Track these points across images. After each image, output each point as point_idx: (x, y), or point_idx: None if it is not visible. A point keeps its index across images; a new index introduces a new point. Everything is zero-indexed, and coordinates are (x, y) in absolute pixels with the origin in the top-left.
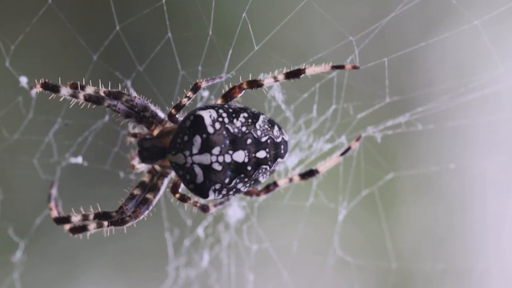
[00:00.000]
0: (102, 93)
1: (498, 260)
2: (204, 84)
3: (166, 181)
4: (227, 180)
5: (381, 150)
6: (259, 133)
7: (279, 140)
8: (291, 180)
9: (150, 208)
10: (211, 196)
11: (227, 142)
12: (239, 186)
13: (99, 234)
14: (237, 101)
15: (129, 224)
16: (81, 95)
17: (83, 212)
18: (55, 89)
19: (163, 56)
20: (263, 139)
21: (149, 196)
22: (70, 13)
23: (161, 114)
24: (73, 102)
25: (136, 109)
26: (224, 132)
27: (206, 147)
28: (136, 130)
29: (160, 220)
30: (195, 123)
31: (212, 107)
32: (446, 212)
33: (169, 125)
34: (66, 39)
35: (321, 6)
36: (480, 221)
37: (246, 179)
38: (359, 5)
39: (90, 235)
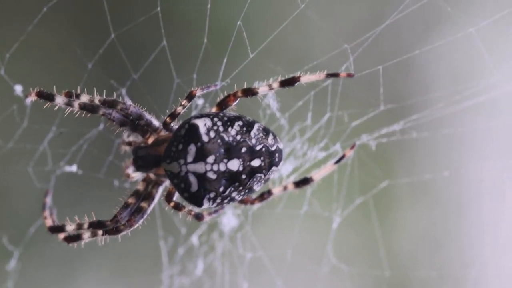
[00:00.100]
0: (97, 102)
1: (494, 265)
2: (199, 92)
3: (160, 189)
4: (221, 189)
5: (376, 158)
6: (253, 141)
7: (273, 148)
8: (285, 188)
9: (145, 216)
10: (206, 204)
11: (222, 150)
12: (234, 194)
13: (94, 242)
14: (232, 109)
15: (124, 233)
16: (76, 103)
17: (78, 221)
18: (50, 97)
19: (158, 64)
20: (258, 148)
21: (143, 204)
22: (65, 21)
23: (156, 123)
24: (68, 110)
25: (131, 118)
26: (219, 141)
27: (201, 156)
28: (131, 139)
29: (154, 228)
30: (190, 132)
31: (207, 115)
32: (442, 217)
33: (164, 133)
34: (61, 47)
35: (316, 13)
36: (476, 226)
37: (240, 188)
38: (355, 11)
39: (85, 244)
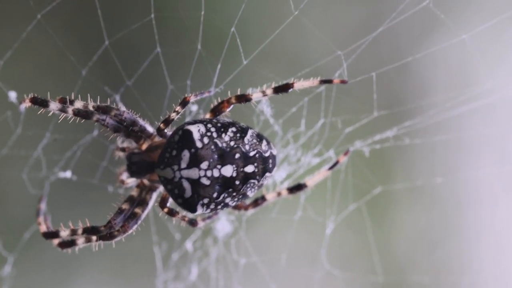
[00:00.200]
0: (91, 108)
1: (492, 271)
2: (192, 99)
3: (154, 195)
4: (215, 195)
5: (371, 163)
6: (247, 147)
7: (267, 154)
8: (279, 194)
9: (139, 222)
10: (199, 210)
11: (216, 156)
12: (228, 200)
13: (88, 247)
14: (226, 116)
15: (118, 238)
16: (70, 109)
17: (72, 227)
18: (44, 104)
19: (152, 70)
20: (252, 154)
21: (137, 210)
22: (60, 28)
23: (150, 129)
24: (62, 116)
25: (124, 124)
26: (213, 147)
27: (195, 162)
28: (125, 145)
29: (148, 233)
30: (184, 138)
31: (201, 121)
32: (439, 220)
33: (157, 139)
34: (55, 54)
35: (310, 19)
36: (472, 231)
37: (234, 194)
38: (350, 17)
39: (79, 250)
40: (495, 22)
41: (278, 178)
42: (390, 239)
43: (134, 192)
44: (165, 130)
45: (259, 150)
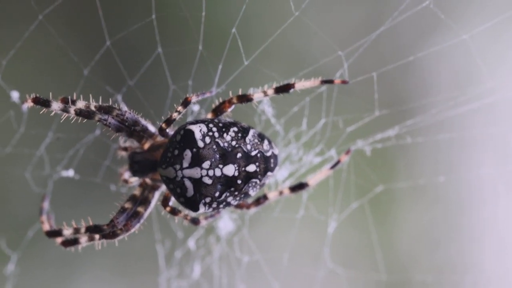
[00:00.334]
0: (93, 108)
1: (495, 270)
2: (194, 99)
3: (157, 194)
4: (217, 194)
5: (373, 162)
6: (249, 147)
7: (269, 154)
8: (281, 193)
9: (141, 221)
10: (202, 209)
11: (217, 156)
12: (229, 199)
13: (91, 246)
14: (227, 116)
15: (121, 237)
16: (72, 109)
17: (75, 226)
18: (46, 103)
19: (154, 70)
20: (253, 153)
21: (140, 209)
22: (62, 28)
23: (152, 128)
24: (64, 116)
25: (126, 123)
26: (214, 146)
27: (197, 161)
28: (127, 144)
29: (151, 231)
30: (186, 137)
31: (202, 121)
32: (442, 219)
33: (159, 139)
34: (57, 54)
35: (312, 19)
36: (475, 230)
37: (236, 193)
38: (352, 17)
39: (82, 248)
40: (495, 22)
41: (280, 177)
42: (393, 237)
43: (137, 191)
44: (167, 130)
45: (260, 149)
